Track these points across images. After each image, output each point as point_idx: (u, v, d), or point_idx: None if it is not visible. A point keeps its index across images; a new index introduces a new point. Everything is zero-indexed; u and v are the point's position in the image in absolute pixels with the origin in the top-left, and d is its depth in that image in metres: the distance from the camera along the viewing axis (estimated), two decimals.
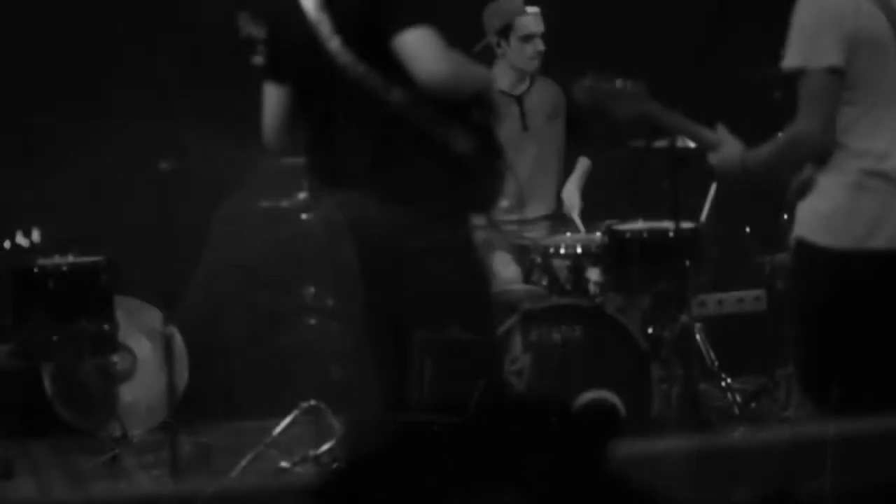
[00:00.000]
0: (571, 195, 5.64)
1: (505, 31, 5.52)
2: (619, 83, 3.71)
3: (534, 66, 5.57)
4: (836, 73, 3.27)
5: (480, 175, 3.65)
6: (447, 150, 3.53)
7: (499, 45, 5.54)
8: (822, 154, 3.38)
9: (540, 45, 5.52)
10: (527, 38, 5.51)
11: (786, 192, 3.61)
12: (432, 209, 3.55)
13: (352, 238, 3.59)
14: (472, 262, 3.71)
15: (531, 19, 5.50)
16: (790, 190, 3.54)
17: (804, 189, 3.43)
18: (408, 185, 3.52)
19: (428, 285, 3.58)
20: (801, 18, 3.35)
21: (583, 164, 5.73)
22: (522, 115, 5.63)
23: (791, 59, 3.36)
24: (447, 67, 3.43)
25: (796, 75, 3.36)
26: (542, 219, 5.67)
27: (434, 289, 3.59)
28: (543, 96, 5.67)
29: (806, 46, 3.31)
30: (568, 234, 5.46)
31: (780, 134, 3.49)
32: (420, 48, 3.41)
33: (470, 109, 3.61)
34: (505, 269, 5.44)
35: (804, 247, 3.41)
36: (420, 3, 3.46)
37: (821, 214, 3.36)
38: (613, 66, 6.20)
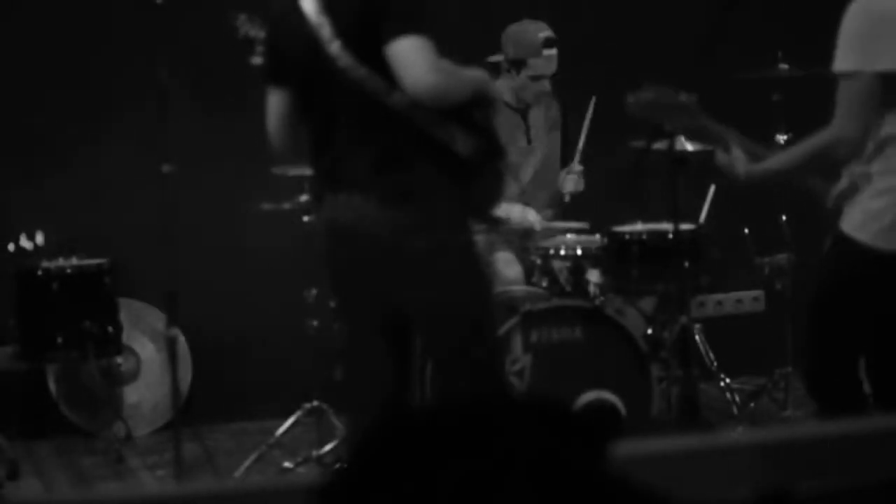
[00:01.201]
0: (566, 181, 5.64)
1: (517, 63, 5.55)
2: (676, 96, 3.71)
3: (535, 100, 5.61)
4: (885, 78, 3.28)
5: (482, 176, 3.65)
6: (448, 152, 3.53)
7: (508, 71, 5.58)
8: (852, 158, 3.40)
9: (546, 87, 5.56)
10: (535, 79, 5.55)
11: (812, 194, 3.62)
12: (434, 211, 3.55)
13: (354, 240, 3.61)
14: (474, 264, 3.71)
15: (544, 63, 5.51)
16: (832, 194, 3.54)
17: (848, 193, 3.43)
18: (409, 188, 3.53)
19: (430, 287, 3.59)
20: (855, 22, 3.35)
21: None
22: (527, 128, 5.68)
23: (844, 62, 3.36)
24: (435, 78, 3.42)
25: (839, 77, 3.37)
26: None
27: (436, 290, 3.60)
28: (544, 109, 5.72)
29: (861, 50, 3.31)
30: (569, 235, 5.48)
31: (812, 136, 3.50)
32: (410, 57, 3.40)
33: (471, 111, 3.62)
34: (507, 269, 5.45)
35: (848, 243, 3.40)
36: (414, 12, 3.46)
37: (871, 214, 3.35)
38: (612, 67, 6.24)
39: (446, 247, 3.57)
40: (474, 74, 3.71)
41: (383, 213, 3.53)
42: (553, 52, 5.51)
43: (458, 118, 3.56)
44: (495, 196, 3.81)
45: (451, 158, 3.54)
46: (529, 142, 5.69)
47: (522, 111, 5.68)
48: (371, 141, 3.55)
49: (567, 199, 5.62)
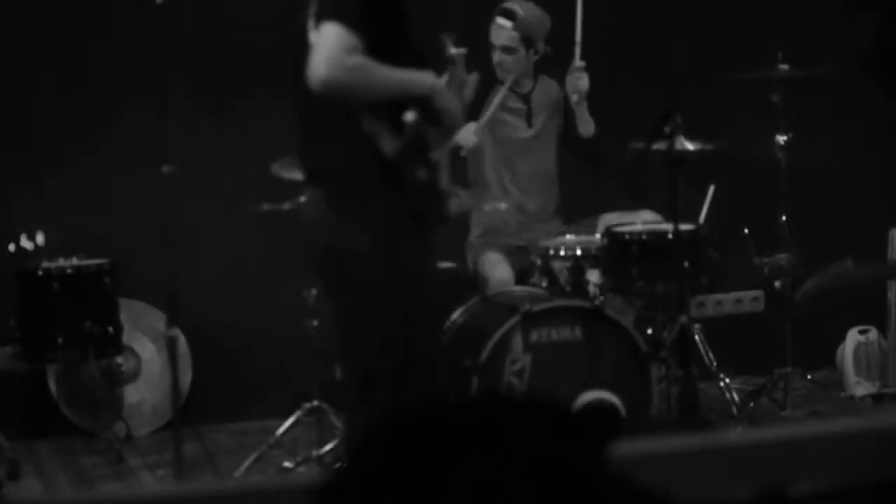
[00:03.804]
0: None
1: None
2: (841, 275, 3.64)
3: (500, 75, 5.57)
4: None
5: (415, 182, 3.51)
6: (381, 154, 3.43)
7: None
8: None
9: (498, 57, 5.57)
10: (491, 46, 5.60)
11: None
12: (366, 214, 3.49)
13: (308, 240, 3.61)
14: (396, 275, 3.54)
15: (494, 29, 5.60)
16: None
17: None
18: (342, 188, 3.49)
19: (348, 292, 3.58)
20: None
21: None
22: (529, 113, 5.70)
23: None
24: (329, 72, 3.29)
25: None
26: (548, 216, 5.75)
27: (352, 297, 3.56)
28: (546, 95, 5.75)
29: None
30: (568, 235, 5.50)
31: None
32: (319, 46, 3.32)
33: (401, 112, 3.47)
34: (494, 270, 5.47)
35: None
36: (340, 1, 3.36)
37: None
38: (614, 67, 6.25)
39: (371, 253, 3.50)
40: (405, 77, 3.48)
41: (322, 213, 3.52)
42: (503, 21, 5.58)
43: (389, 117, 3.43)
44: (434, 205, 3.61)
45: (384, 160, 3.44)
46: (530, 126, 5.71)
47: (525, 95, 5.70)
48: (312, 139, 3.54)
49: (575, 98, 5.60)
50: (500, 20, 5.58)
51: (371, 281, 3.52)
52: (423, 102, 3.48)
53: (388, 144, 3.43)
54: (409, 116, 3.44)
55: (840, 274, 3.62)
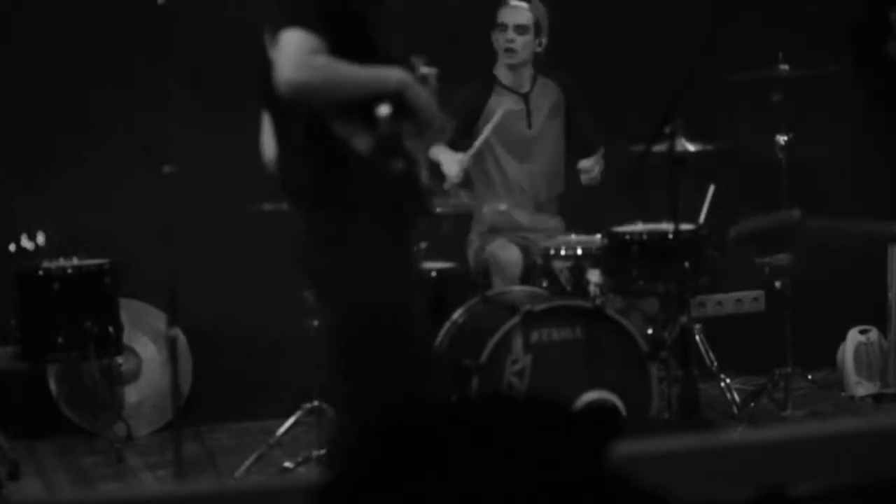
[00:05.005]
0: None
1: (496, 26, 5.71)
2: (781, 218, 3.63)
3: (507, 57, 5.64)
4: None
5: (394, 179, 3.44)
6: (356, 159, 3.39)
7: (497, 40, 5.69)
8: None
9: (510, 34, 5.62)
10: (501, 28, 5.65)
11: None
12: (344, 224, 3.45)
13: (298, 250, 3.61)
14: (390, 274, 3.50)
15: (507, 10, 5.66)
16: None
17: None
18: (319, 196, 3.45)
19: (330, 301, 3.58)
20: None
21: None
22: (528, 113, 5.72)
23: None
24: (296, 75, 3.26)
25: None
26: (550, 215, 5.78)
27: (347, 301, 3.52)
28: (545, 96, 5.76)
29: None
30: (572, 235, 5.51)
31: None
32: (281, 51, 3.29)
33: (372, 109, 3.41)
34: (504, 252, 5.50)
35: None
36: (295, 4, 3.35)
37: None
38: (615, 66, 6.25)
39: (350, 263, 3.47)
40: (373, 73, 3.42)
41: (301, 222, 3.52)
42: (519, 3, 5.65)
43: (360, 118, 3.39)
44: (413, 197, 3.56)
45: (357, 162, 3.40)
46: (530, 126, 5.73)
47: (524, 95, 5.72)
48: (285, 153, 3.51)
49: (588, 182, 5.61)
50: (515, 1, 5.63)
51: (353, 285, 3.48)
52: (396, 98, 3.43)
53: (363, 143, 3.39)
54: (383, 110, 3.40)
55: (781, 220, 3.63)
